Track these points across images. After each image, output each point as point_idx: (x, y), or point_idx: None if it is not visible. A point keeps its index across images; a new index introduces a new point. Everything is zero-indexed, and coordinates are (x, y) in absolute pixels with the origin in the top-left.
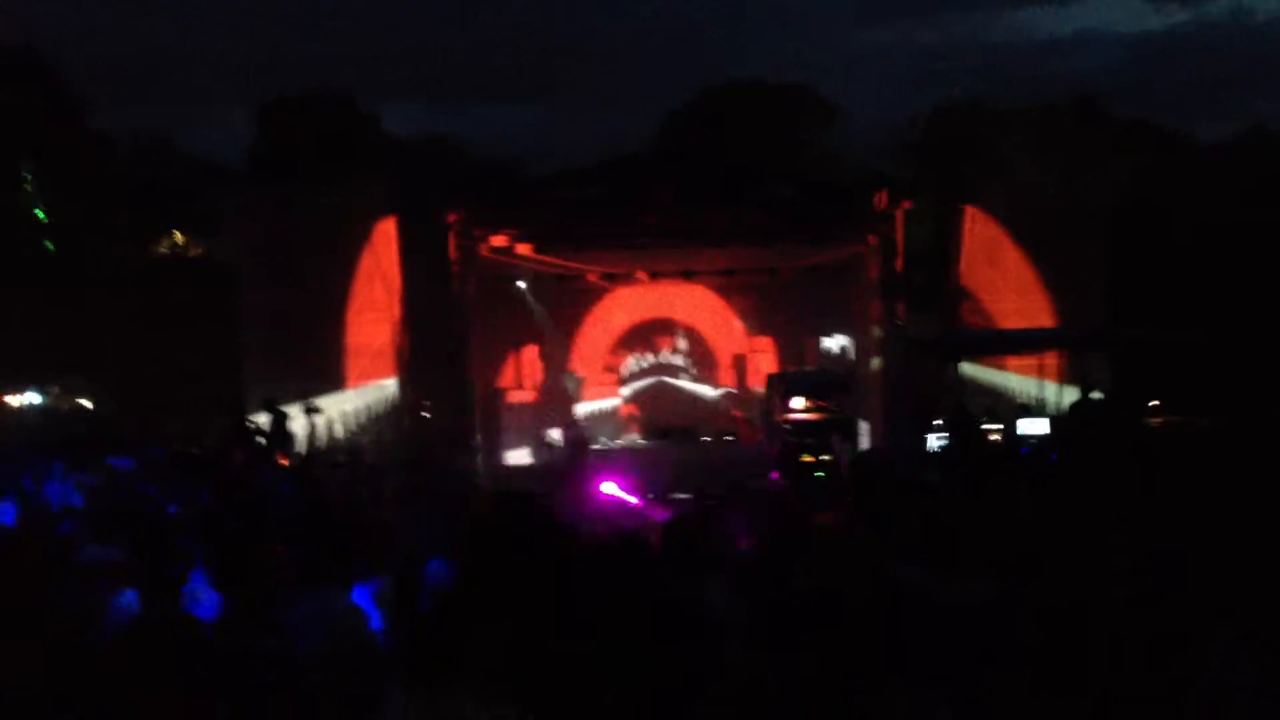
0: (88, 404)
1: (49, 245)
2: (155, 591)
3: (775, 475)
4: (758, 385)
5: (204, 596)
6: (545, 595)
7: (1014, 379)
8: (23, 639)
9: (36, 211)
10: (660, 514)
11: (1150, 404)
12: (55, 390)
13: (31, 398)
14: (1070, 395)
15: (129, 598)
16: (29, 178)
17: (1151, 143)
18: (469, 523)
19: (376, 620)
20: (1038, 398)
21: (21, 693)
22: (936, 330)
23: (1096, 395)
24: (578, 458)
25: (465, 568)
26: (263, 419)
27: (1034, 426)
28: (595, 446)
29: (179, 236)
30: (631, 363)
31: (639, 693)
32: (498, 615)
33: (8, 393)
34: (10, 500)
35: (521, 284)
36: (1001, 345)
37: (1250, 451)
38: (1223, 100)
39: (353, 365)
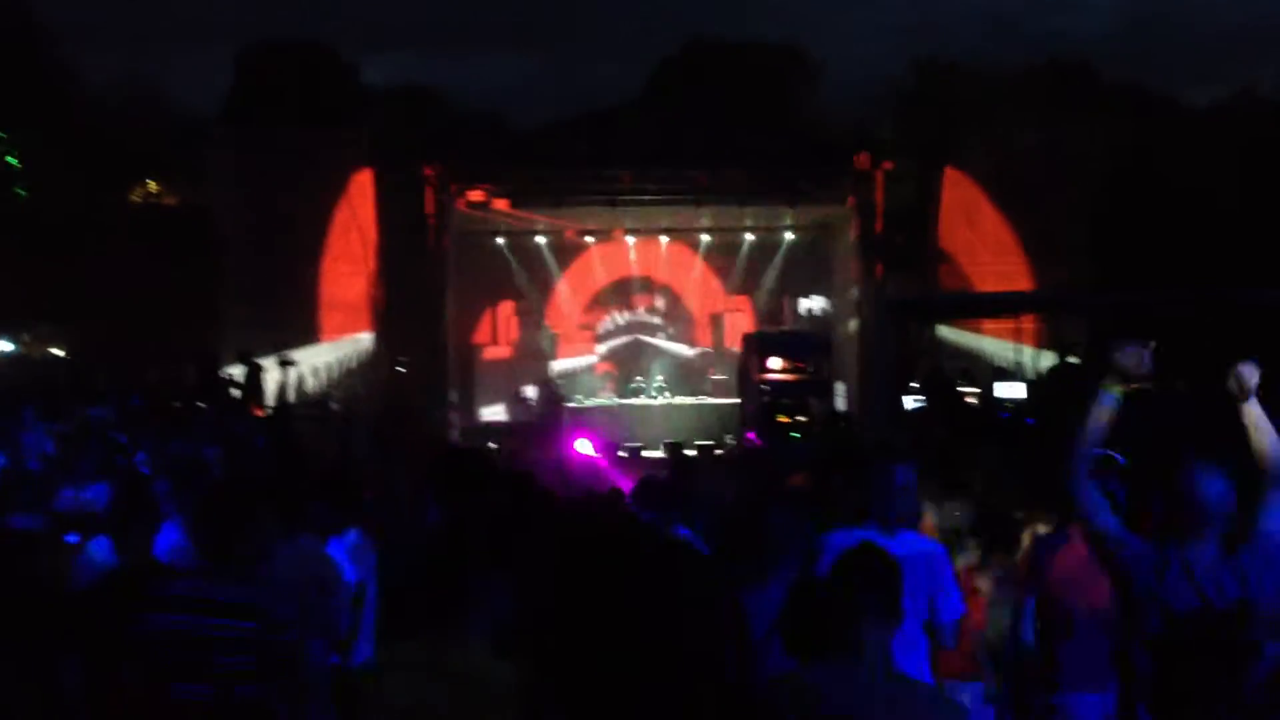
0: (60, 352)
1: (20, 192)
2: (128, 539)
3: (751, 435)
4: (734, 345)
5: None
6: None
7: (991, 342)
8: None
9: (9, 159)
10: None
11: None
12: (26, 338)
13: (2, 345)
14: (1047, 360)
15: (102, 545)
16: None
17: (1141, 106)
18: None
19: (350, 572)
20: (1015, 361)
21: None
22: (914, 292)
23: (1073, 360)
24: (552, 415)
25: (453, 521)
26: (237, 370)
27: (1010, 390)
28: (569, 404)
29: (153, 185)
30: (608, 320)
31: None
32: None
33: None
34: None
35: (499, 239)
36: (977, 308)
37: (1223, 418)
38: (1213, 63)
39: (328, 318)
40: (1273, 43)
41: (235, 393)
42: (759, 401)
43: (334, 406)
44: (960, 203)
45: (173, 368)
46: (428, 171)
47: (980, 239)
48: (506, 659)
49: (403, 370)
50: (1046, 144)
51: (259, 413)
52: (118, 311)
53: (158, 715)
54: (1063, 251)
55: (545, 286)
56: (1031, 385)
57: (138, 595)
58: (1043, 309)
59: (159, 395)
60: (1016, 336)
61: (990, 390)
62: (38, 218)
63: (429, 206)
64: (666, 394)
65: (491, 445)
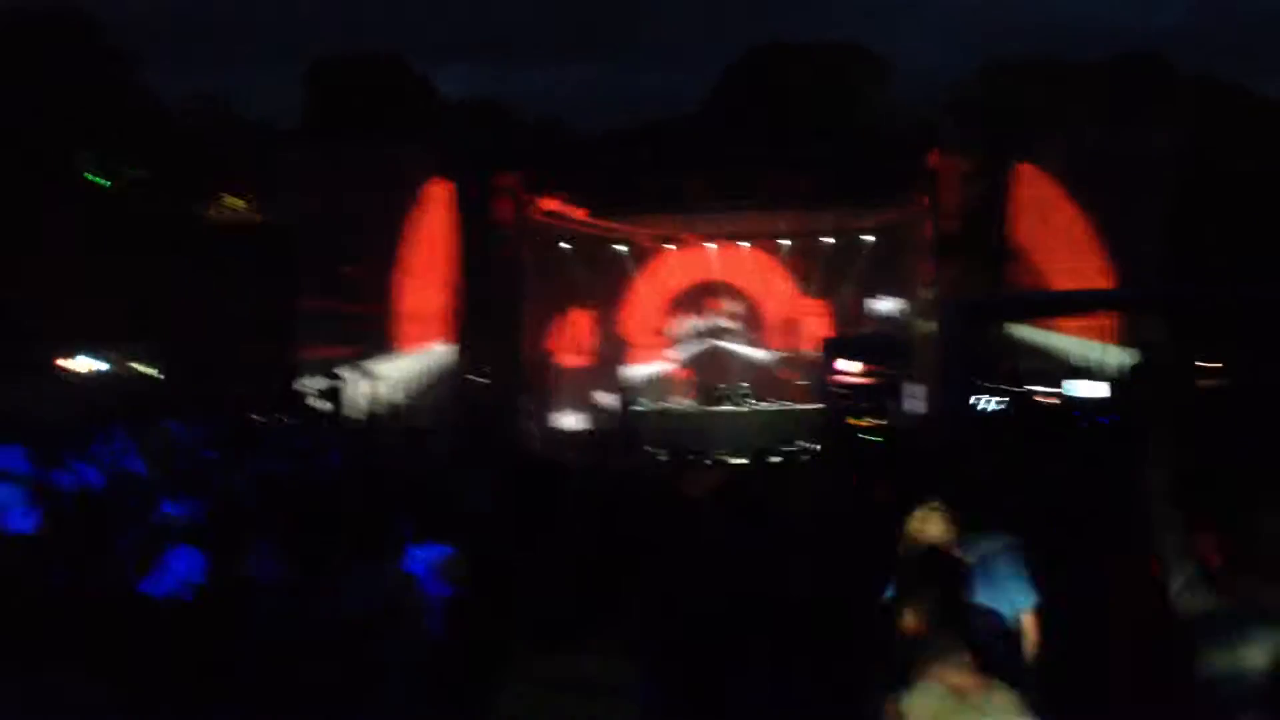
0: (152, 370)
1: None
2: (222, 555)
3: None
4: (810, 348)
5: (266, 562)
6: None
7: (1069, 341)
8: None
9: (96, 179)
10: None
11: (1209, 365)
12: (116, 356)
13: (98, 365)
14: (1127, 357)
15: (193, 557)
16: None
17: (1216, 98)
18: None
19: (434, 586)
20: (1094, 360)
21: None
22: (988, 291)
23: (1153, 357)
24: (631, 422)
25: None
26: (319, 384)
27: (1091, 389)
28: (649, 411)
29: (233, 200)
30: (684, 326)
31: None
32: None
33: (64, 358)
34: (92, 465)
35: (573, 246)
36: (1046, 306)
37: None
38: None
39: (407, 329)
40: None
41: (322, 405)
42: (837, 405)
43: (414, 420)
44: (1035, 200)
45: (255, 383)
46: (504, 181)
47: (1055, 236)
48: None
49: (482, 380)
50: (1119, 138)
51: (341, 427)
52: (203, 328)
53: None
54: (1139, 247)
55: (620, 293)
56: (1114, 384)
57: (228, 608)
58: (1110, 306)
59: (241, 411)
60: (1096, 334)
61: (1069, 390)
62: (124, 235)
63: (506, 216)
64: (751, 400)
65: (570, 454)
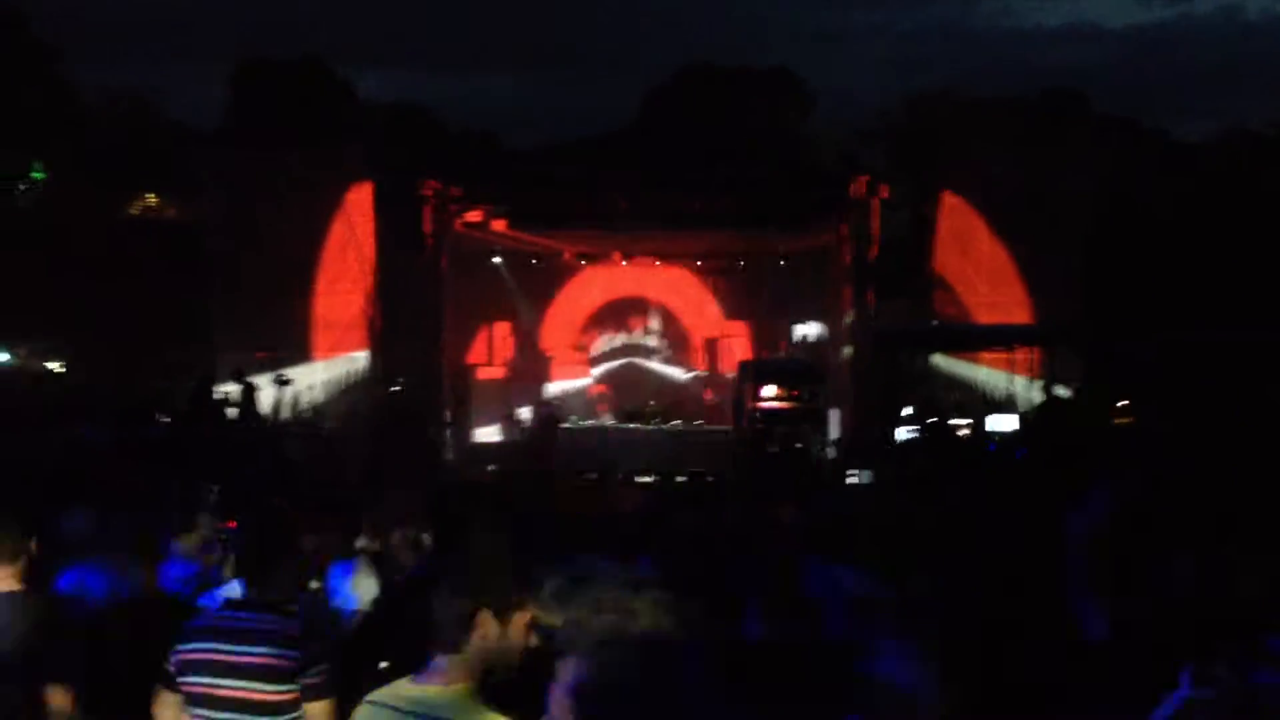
0: (56, 367)
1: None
2: (137, 567)
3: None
4: (730, 369)
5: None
6: None
7: (985, 372)
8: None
9: (35, 173)
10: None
11: (1119, 404)
12: (22, 352)
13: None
14: (1038, 392)
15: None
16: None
17: (1134, 139)
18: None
19: (351, 601)
20: (1009, 393)
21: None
22: (908, 320)
23: (1063, 392)
24: (546, 436)
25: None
26: (231, 389)
27: (1002, 423)
28: (564, 425)
29: (152, 199)
30: (603, 342)
31: None
32: None
33: None
34: None
35: (495, 260)
36: (961, 340)
37: (1204, 458)
38: (1207, 98)
39: (323, 336)
40: (1262, 79)
41: (230, 412)
42: (753, 430)
43: (328, 425)
44: (957, 230)
45: (166, 385)
46: (426, 190)
47: (976, 267)
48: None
49: (398, 390)
50: (1039, 173)
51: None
52: (114, 326)
53: None
54: (1056, 282)
55: (541, 307)
56: (1024, 418)
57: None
58: (1023, 342)
59: (150, 414)
60: (1011, 366)
61: (982, 422)
62: (37, 230)
63: (428, 225)
64: (661, 419)
65: (489, 467)
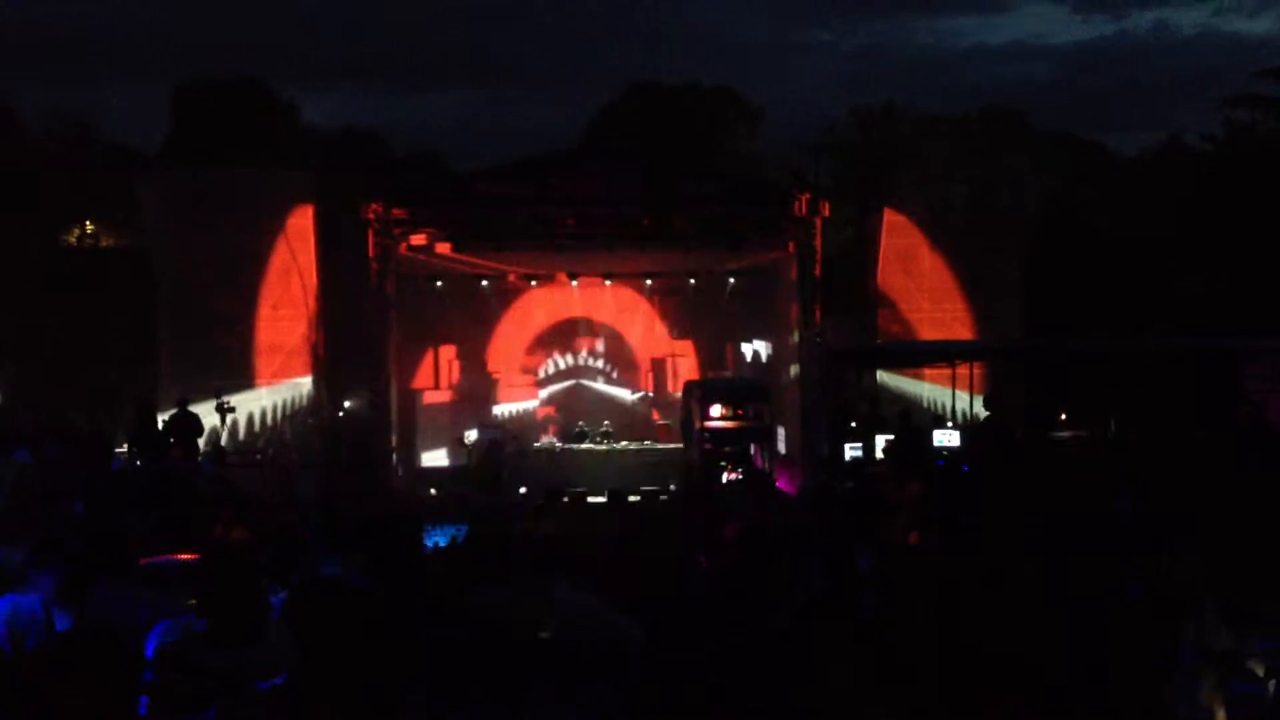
0: None
1: None
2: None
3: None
4: (677, 390)
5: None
6: None
7: (929, 388)
8: None
9: None
10: None
11: (1059, 417)
12: None
13: None
14: (981, 407)
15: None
16: None
17: (1073, 153)
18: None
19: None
20: (952, 408)
21: None
22: (854, 337)
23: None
24: (493, 459)
25: None
26: (174, 414)
27: (946, 438)
28: (510, 449)
29: (90, 225)
30: (549, 364)
31: None
32: None
33: None
34: None
35: (440, 283)
36: (913, 356)
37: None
38: (1144, 112)
39: (266, 362)
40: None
41: (170, 440)
42: (701, 449)
43: (270, 452)
44: (899, 247)
45: (108, 412)
46: (369, 214)
47: (919, 283)
48: None
49: (342, 416)
50: (980, 189)
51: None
52: (49, 352)
53: None
54: (998, 296)
55: (487, 330)
56: (965, 433)
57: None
58: (970, 357)
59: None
60: (954, 383)
61: (930, 437)
62: None
63: (371, 249)
64: (610, 439)
65: (433, 491)
